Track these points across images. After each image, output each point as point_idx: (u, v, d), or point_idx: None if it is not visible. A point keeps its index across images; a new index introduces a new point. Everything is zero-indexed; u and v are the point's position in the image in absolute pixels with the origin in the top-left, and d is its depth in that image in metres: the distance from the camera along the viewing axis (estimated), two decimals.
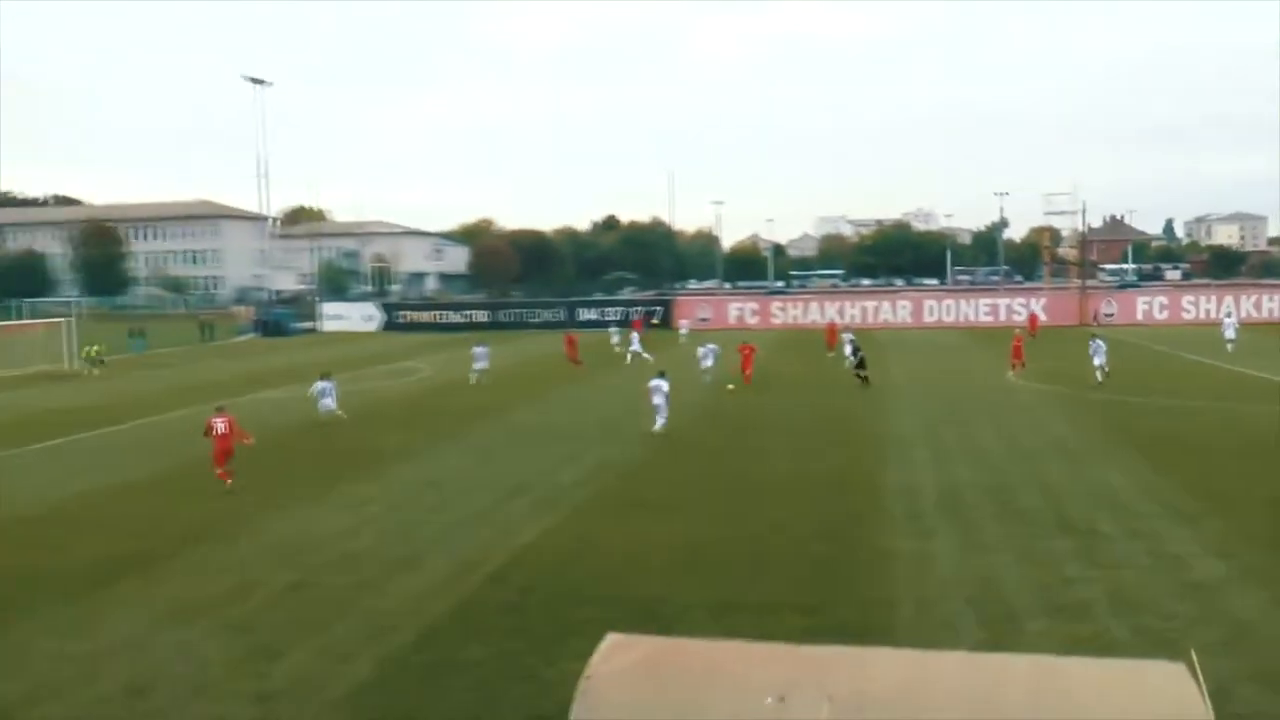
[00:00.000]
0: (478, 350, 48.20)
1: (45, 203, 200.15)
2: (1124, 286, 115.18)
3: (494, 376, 48.11)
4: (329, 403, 35.48)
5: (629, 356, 55.13)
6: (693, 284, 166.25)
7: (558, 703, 11.81)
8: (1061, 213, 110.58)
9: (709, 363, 43.54)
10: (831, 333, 60.30)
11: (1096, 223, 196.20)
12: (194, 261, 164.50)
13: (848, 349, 48.05)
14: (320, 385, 35.88)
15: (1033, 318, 73.13)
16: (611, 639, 8.14)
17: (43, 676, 13.75)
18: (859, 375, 43.04)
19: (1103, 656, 11.03)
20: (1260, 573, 17.10)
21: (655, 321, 79.11)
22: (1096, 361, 41.75)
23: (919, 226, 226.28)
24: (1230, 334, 55.20)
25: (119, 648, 14.74)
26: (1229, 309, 70.45)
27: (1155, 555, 18.26)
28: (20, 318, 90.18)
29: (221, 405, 27.25)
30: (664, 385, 32.08)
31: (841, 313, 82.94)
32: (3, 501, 24.55)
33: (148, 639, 15.06)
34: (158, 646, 14.76)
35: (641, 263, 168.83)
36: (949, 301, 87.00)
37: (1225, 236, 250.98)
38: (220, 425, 25.27)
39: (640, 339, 57.71)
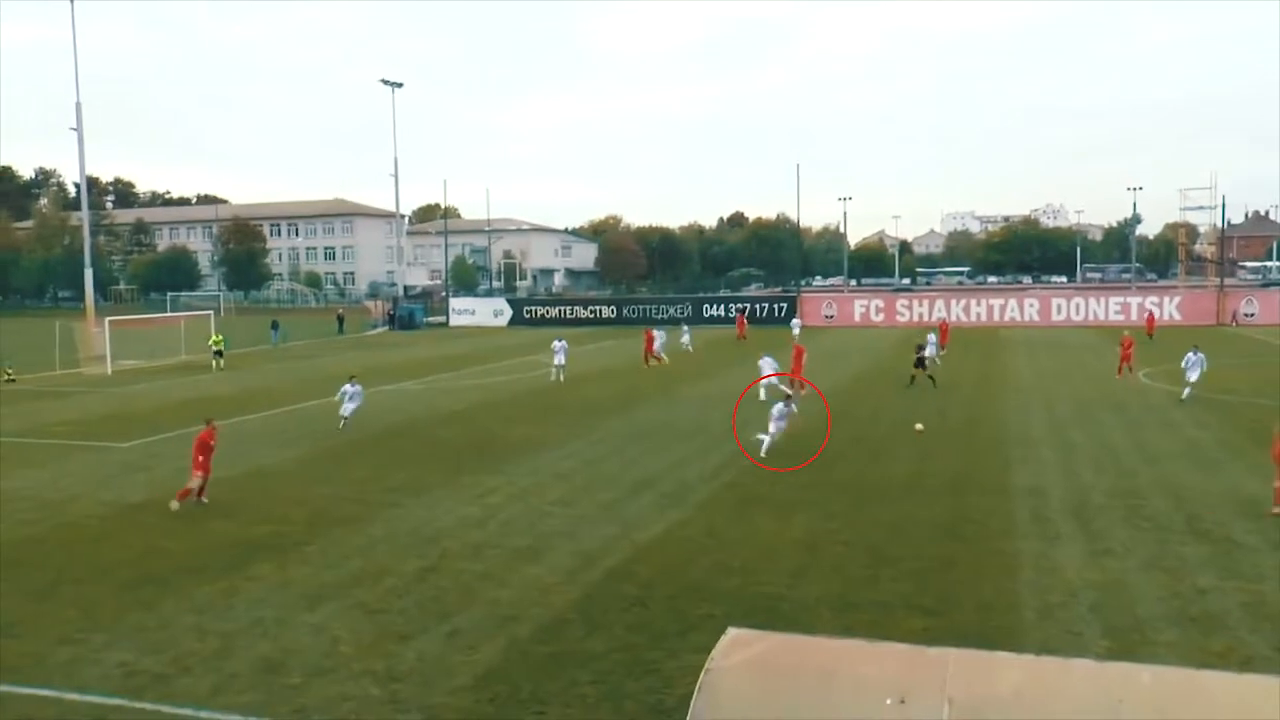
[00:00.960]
0: (556, 345, 47.79)
1: (193, 202, 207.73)
2: (1267, 285, 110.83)
3: (620, 372, 48.40)
4: (350, 407, 33.01)
5: (682, 349, 55.72)
6: (818, 281, 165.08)
7: (679, 696, 11.90)
8: (1199, 208, 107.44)
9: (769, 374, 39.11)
10: (944, 331, 59.35)
11: (1237, 218, 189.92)
12: (329, 257, 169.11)
13: (929, 349, 46.93)
14: (346, 389, 33.51)
15: (1150, 318, 70.10)
16: (733, 634, 8.15)
17: (184, 650, 14.28)
18: (918, 374, 41.41)
19: (1239, 672, 10.62)
20: None
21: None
22: (1190, 377, 36.47)
23: (1048, 223, 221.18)
24: None
25: (254, 625, 15.24)
26: None
27: None
28: (170, 310, 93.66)
29: (210, 418, 25.09)
30: (784, 408, 28.73)
31: (968, 310, 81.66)
32: (146, 485, 25.52)
33: (281, 618, 15.54)
34: (291, 626, 15.22)
35: (767, 260, 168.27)
36: (1078, 300, 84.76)
37: None
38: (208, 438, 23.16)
39: (671, 341, 58.48)
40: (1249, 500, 21.96)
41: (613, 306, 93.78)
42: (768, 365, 39.12)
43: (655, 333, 56.32)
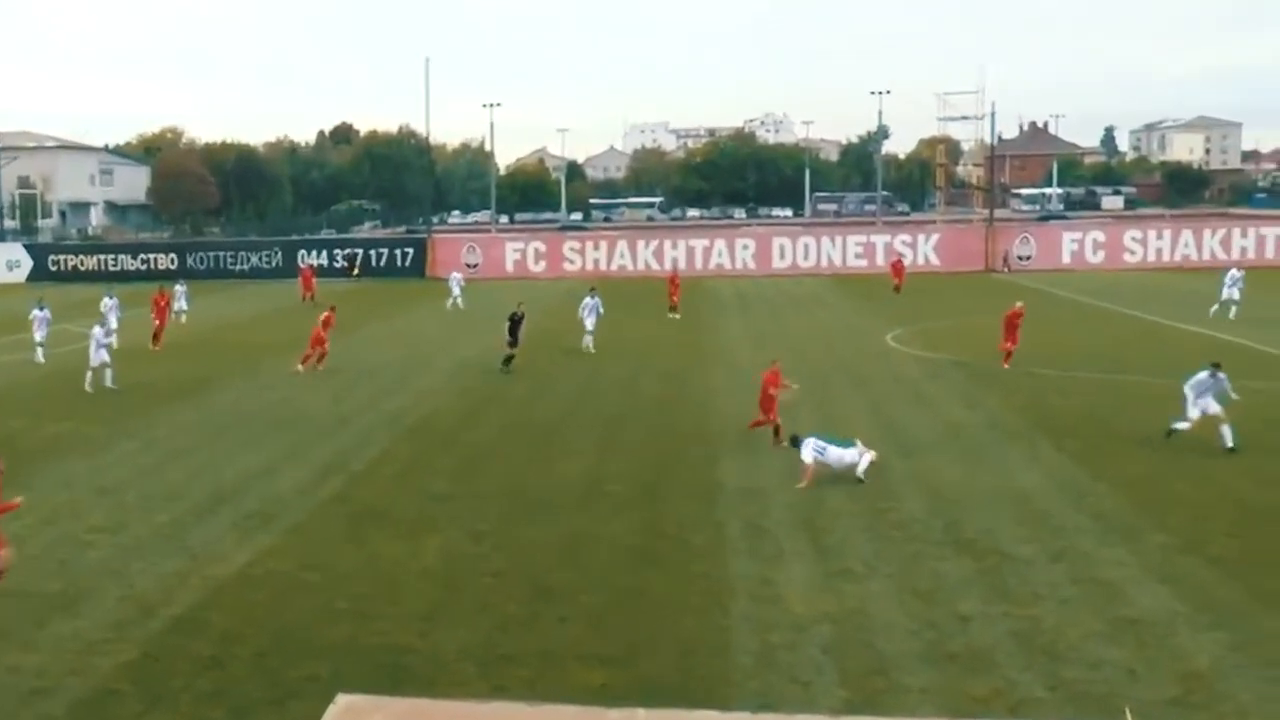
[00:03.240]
0: (36, 314, 45.78)
1: None
2: (1046, 218, 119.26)
3: (190, 345, 47.40)
4: None
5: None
6: (456, 217, 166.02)
7: None
8: (962, 119, 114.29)
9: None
10: (674, 286, 60.68)
11: (1010, 132, 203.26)
12: None
13: (590, 318, 47.22)
14: None
15: (897, 263, 71.62)
16: (344, 702, 8.22)
17: None
18: (514, 352, 41.65)
19: None
20: (1218, 605, 17.69)
21: (357, 272, 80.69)
22: (1208, 409, 28.45)
23: (768, 138, 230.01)
24: (1235, 295, 52.42)
25: None
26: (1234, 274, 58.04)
27: (1081, 582, 18.91)
28: None
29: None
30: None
31: (660, 255, 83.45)
32: None
33: None
34: None
35: (387, 188, 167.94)
36: (807, 240, 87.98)
37: (1185, 150, 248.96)
38: None
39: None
40: (1023, 498, 23.74)
41: (173, 255, 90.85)
42: (97, 338, 39.00)
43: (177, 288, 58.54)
